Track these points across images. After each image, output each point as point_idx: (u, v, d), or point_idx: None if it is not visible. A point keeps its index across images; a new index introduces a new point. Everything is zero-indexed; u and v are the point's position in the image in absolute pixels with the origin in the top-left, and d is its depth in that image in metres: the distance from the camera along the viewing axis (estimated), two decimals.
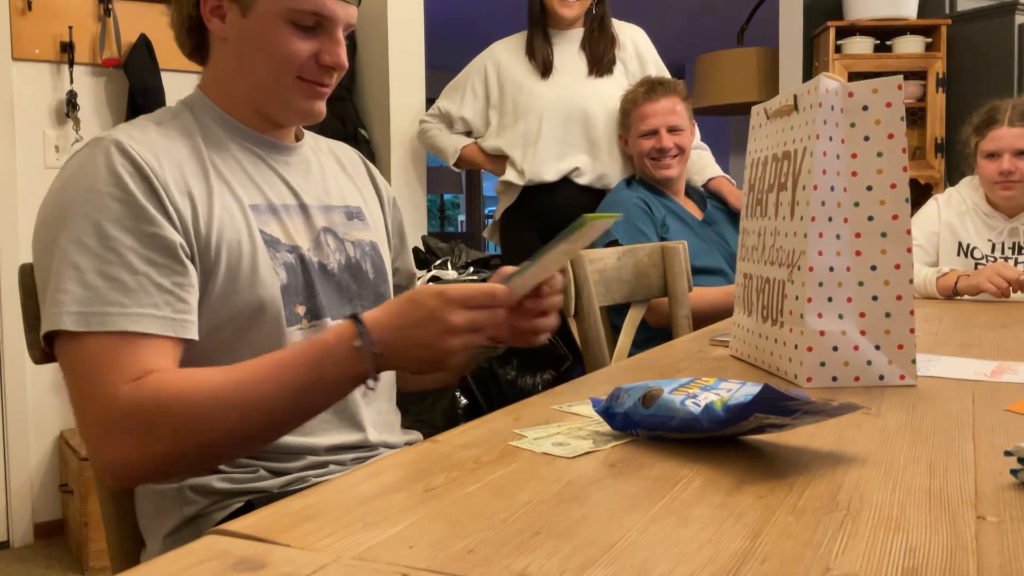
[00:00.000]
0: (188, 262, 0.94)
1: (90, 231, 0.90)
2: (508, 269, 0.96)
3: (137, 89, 2.78)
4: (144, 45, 2.81)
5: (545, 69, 2.68)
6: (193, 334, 0.93)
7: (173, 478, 0.97)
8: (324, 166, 1.16)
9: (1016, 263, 2.25)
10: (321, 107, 1.07)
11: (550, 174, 2.66)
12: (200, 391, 0.87)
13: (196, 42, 1.07)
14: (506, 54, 2.75)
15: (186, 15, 1.04)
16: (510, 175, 2.72)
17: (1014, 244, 2.27)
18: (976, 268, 2.26)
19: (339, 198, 1.14)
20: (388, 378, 1.15)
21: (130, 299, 0.90)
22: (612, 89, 2.65)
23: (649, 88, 2.48)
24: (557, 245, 0.90)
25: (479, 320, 0.87)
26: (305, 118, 1.07)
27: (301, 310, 1.04)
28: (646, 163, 2.45)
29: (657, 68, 2.76)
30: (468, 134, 2.86)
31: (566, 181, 2.67)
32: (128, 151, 0.94)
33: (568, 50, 2.71)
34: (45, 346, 0.93)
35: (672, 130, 2.42)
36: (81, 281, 0.89)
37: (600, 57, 2.68)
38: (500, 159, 2.77)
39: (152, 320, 0.90)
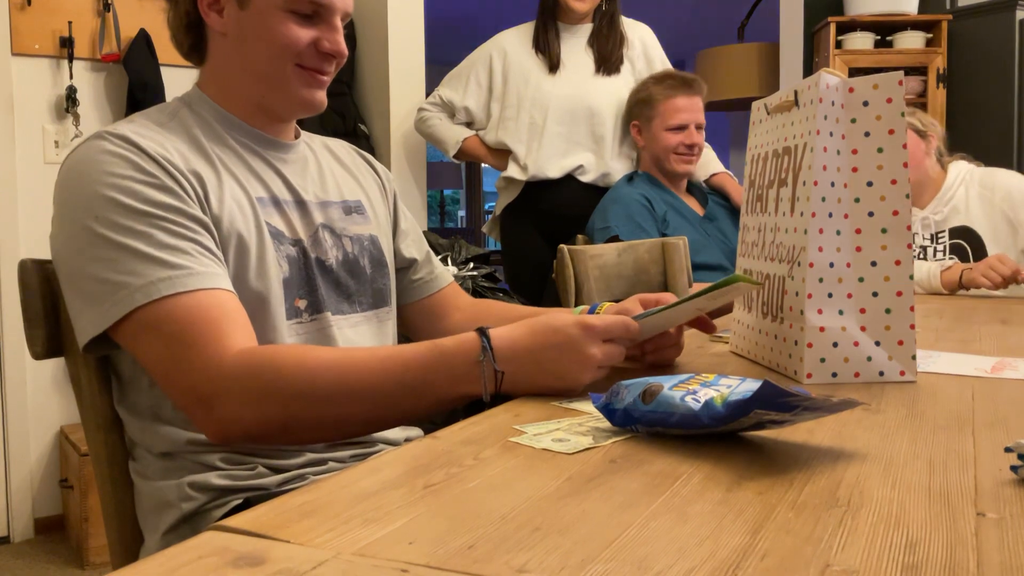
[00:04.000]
0: (216, 238, 0.96)
1: (124, 212, 0.90)
2: (631, 306, 1.00)
3: (137, 84, 2.78)
4: (144, 40, 2.81)
5: (552, 64, 2.66)
6: None
7: (272, 443, 0.97)
8: (321, 162, 1.16)
9: (936, 252, 2.28)
10: (322, 97, 1.07)
11: (554, 171, 2.65)
12: (313, 363, 0.87)
13: (194, 39, 1.06)
14: (512, 45, 2.72)
15: (183, 12, 1.04)
16: (512, 171, 2.70)
17: (931, 235, 2.30)
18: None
19: (336, 194, 1.14)
20: None
21: (192, 261, 0.90)
22: (619, 87, 2.64)
23: (684, 82, 2.47)
24: (697, 298, 0.94)
25: (613, 354, 0.88)
26: (307, 109, 1.07)
27: (302, 304, 1.04)
28: (670, 157, 2.44)
29: (664, 67, 2.75)
30: (468, 125, 2.84)
31: (569, 178, 2.66)
32: (134, 140, 0.94)
33: (576, 46, 2.69)
34: (87, 345, 0.91)
35: (698, 127, 2.44)
36: (141, 259, 0.89)
37: (608, 55, 2.66)
38: (502, 154, 2.76)
39: (218, 277, 0.92)
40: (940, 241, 2.29)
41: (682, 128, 2.43)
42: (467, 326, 1.14)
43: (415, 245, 1.26)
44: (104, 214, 0.90)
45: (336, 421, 0.89)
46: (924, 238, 2.32)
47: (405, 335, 1.25)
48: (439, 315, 1.25)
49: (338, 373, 0.87)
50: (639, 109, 2.55)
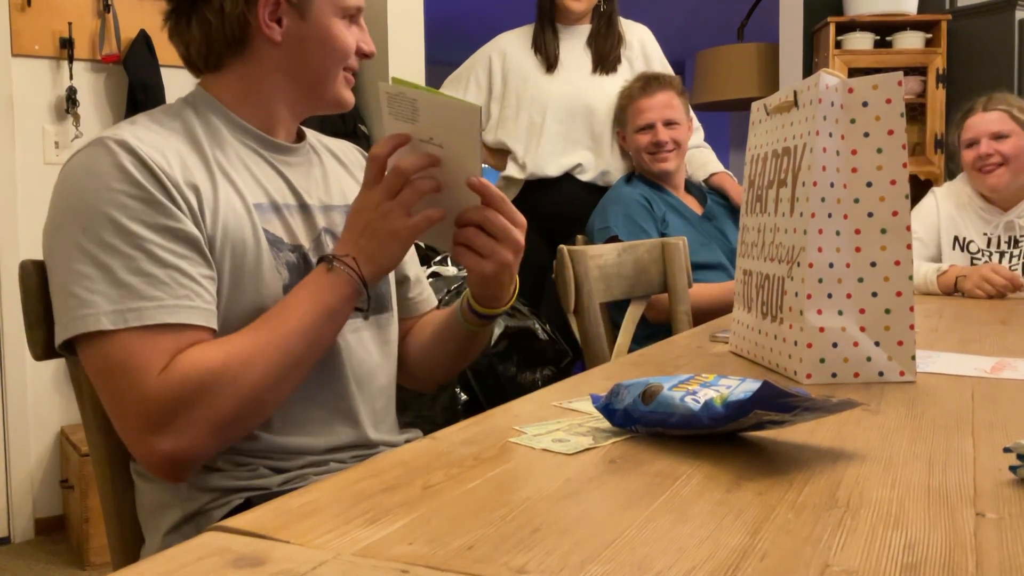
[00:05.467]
0: (209, 255, 0.95)
1: (112, 230, 0.90)
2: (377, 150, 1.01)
3: (137, 85, 2.78)
4: (144, 41, 2.81)
5: (551, 64, 2.67)
6: (216, 327, 0.95)
7: (217, 451, 0.97)
8: (326, 166, 1.16)
9: (1012, 257, 2.26)
10: (352, 95, 1.12)
11: (552, 169, 2.65)
12: (219, 354, 0.91)
13: (234, 50, 1.04)
14: (512, 46, 2.73)
15: (234, 27, 1.02)
16: (511, 170, 2.71)
17: (1010, 238, 2.28)
18: (972, 263, 2.28)
19: (340, 197, 1.14)
20: (389, 376, 1.15)
21: (164, 292, 0.91)
22: (617, 86, 2.65)
23: (645, 83, 2.49)
24: (388, 116, 0.97)
25: (404, 196, 0.95)
26: (343, 107, 1.11)
27: None
28: (643, 157, 2.45)
29: (663, 68, 2.75)
30: None
31: (568, 177, 2.66)
32: (134, 148, 0.94)
33: (575, 46, 2.70)
34: (60, 348, 0.93)
35: (668, 124, 2.43)
36: (112, 281, 0.89)
37: (606, 55, 2.67)
38: (501, 154, 2.76)
39: (188, 311, 0.92)
40: (1019, 245, 2.27)
41: (649, 127, 2.43)
42: (425, 337, 1.23)
43: (411, 262, 1.26)
44: (92, 227, 0.90)
45: (267, 387, 0.93)
46: (1004, 241, 2.27)
47: None
48: (415, 334, 1.25)
49: (247, 348, 0.92)
50: (618, 115, 2.58)
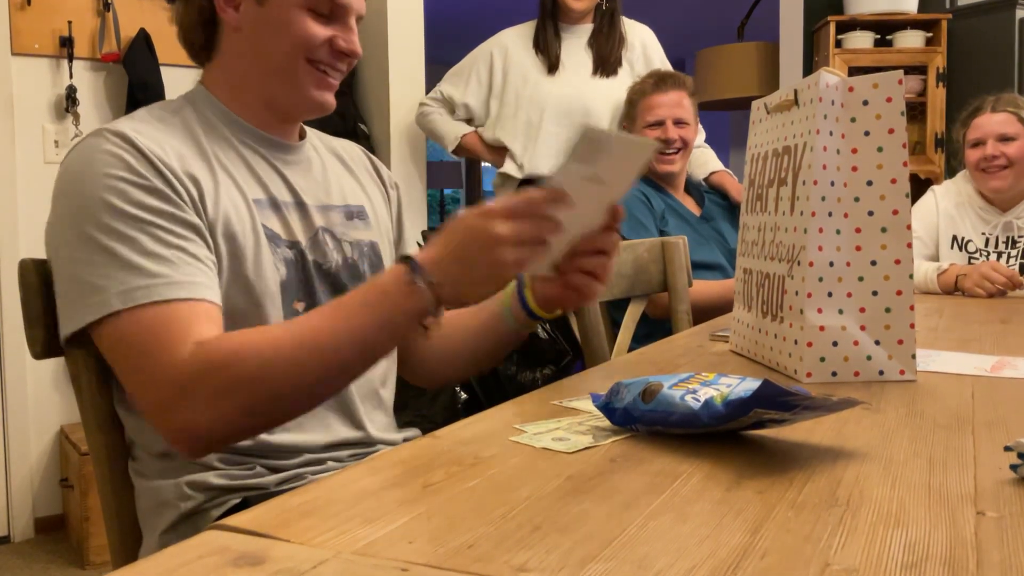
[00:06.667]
0: (210, 242, 0.95)
1: (116, 216, 0.90)
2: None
3: (137, 84, 2.78)
4: (143, 39, 2.81)
5: (552, 64, 2.67)
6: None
7: (244, 437, 0.96)
8: (326, 165, 1.15)
9: (1009, 257, 2.26)
10: (331, 99, 1.08)
11: (549, 169, 2.65)
12: (264, 344, 0.88)
13: (206, 37, 1.06)
14: (513, 44, 2.73)
15: (198, 8, 1.04)
16: (509, 168, 2.71)
17: (1008, 238, 2.28)
18: (970, 262, 2.28)
19: (339, 198, 1.13)
20: (387, 372, 1.15)
21: (173, 270, 0.91)
22: (617, 88, 2.64)
23: (659, 80, 2.48)
24: (572, 160, 0.88)
25: (524, 231, 0.86)
26: (316, 110, 1.08)
27: (300, 307, 1.03)
28: None
29: (664, 68, 2.75)
30: (468, 121, 2.84)
31: None
32: (132, 140, 0.94)
33: (576, 45, 2.70)
34: (67, 342, 0.93)
35: (678, 123, 2.42)
36: (121, 264, 0.89)
37: (607, 57, 2.67)
38: (500, 151, 2.76)
39: (198, 286, 0.91)
40: (1016, 246, 2.27)
41: (659, 124, 2.43)
42: (437, 333, 1.18)
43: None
44: (94, 214, 0.91)
45: (305, 388, 0.90)
46: (1002, 242, 2.28)
47: None
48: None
49: (293, 343, 0.88)
50: (625, 111, 2.57)
